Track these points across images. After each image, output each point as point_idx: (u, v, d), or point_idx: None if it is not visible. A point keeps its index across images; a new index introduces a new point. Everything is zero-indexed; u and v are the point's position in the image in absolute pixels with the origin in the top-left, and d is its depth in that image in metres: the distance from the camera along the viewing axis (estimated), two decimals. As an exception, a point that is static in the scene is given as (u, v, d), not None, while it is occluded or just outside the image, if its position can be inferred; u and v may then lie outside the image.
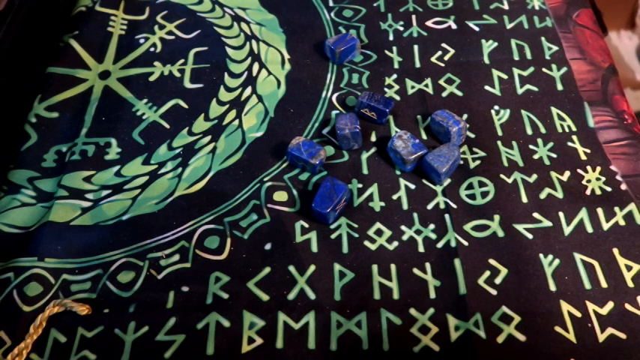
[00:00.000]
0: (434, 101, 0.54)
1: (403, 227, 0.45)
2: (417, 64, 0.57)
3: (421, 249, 0.44)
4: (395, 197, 0.47)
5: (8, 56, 0.54)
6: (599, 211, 0.46)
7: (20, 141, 0.52)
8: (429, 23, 0.61)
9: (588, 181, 0.47)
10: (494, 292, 0.42)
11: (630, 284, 0.42)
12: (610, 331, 0.40)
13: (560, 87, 0.54)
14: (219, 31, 0.61)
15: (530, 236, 0.44)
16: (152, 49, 0.60)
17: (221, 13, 0.63)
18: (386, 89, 0.55)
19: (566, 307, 0.41)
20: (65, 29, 0.61)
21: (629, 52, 0.74)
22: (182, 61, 0.58)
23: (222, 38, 0.60)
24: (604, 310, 0.41)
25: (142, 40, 0.60)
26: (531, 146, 0.50)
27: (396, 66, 0.57)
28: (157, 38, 0.61)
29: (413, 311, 0.41)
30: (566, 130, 0.51)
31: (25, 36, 0.57)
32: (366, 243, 0.44)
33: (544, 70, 0.56)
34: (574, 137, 0.51)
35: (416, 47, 0.58)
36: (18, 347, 0.39)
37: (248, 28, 0.61)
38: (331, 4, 0.63)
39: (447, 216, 0.46)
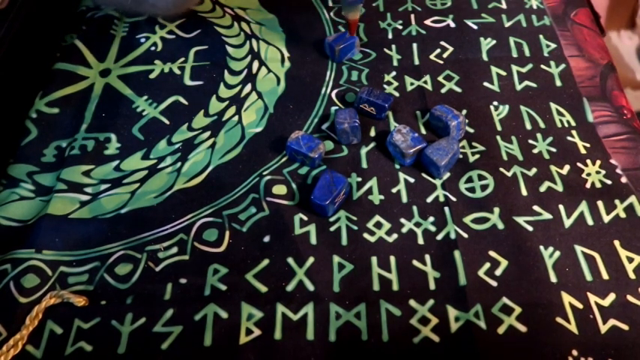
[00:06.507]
0: (433, 97, 0.54)
1: (402, 220, 0.45)
2: (416, 62, 0.57)
3: (421, 241, 0.44)
4: (394, 190, 0.47)
5: (10, 53, 0.54)
6: (600, 203, 0.45)
7: (20, 136, 0.52)
8: (427, 22, 0.61)
9: (588, 174, 0.47)
10: (494, 283, 0.41)
11: (632, 276, 0.41)
12: (612, 322, 0.39)
13: (558, 83, 0.54)
14: (219, 30, 0.62)
15: (530, 228, 0.44)
16: (153, 48, 0.60)
17: (221, 13, 0.63)
18: (385, 86, 0.55)
19: (567, 298, 0.40)
20: (68, 28, 0.62)
21: (629, 51, 0.75)
22: (182, 59, 0.59)
23: (223, 37, 0.61)
24: (606, 302, 0.40)
25: (142, 40, 0.61)
26: (531, 141, 0.50)
27: (395, 63, 0.57)
28: (158, 37, 0.61)
29: (412, 302, 0.41)
30: (566, 125, 0.51)
31: (27, 33, 0.57)
32: (366, 235, 0.44)
33: (542, 66, 0.56)
34: (573, 132, 0.50)
35: (415, 45, 0.59)
36: (13, 338, 0.39)
37: (248, 27, 0.62)
38: (330, 4, 0.64)
39: (446, 209, 0.46)
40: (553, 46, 0.58)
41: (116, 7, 0.57)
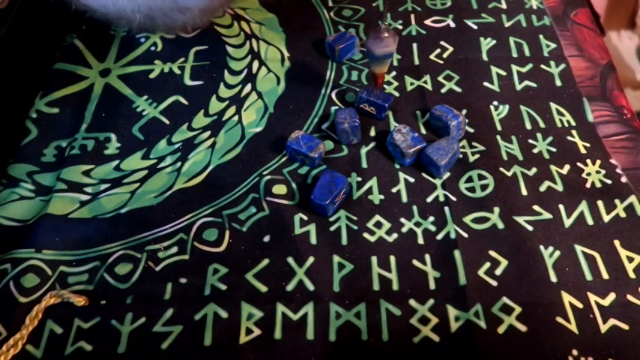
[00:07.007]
0: (433, 97, 0.54)
1: (402, 219, 0.45)
2: (416, 62, 0.57)
3: (421, 241, 0.44)
4: (394, 190, 0.47)
5: (10, 52, 0.54)
6: (600, 203, 0.45)
7: (20, 136, 0.52)
8: (427, 22, 0.61)
9: (588, 174, 0.47)
10: (494, 283, 0.41)
11: (632, 275, 0.41)
12: (612, 322, 0.39)
13: (558, 83, 0.54)
14: (219, 30, 0.62)
15: (530, 228, 0.44)
16: (153, 48, 0.60)
17: (221, 12, 0.63)
18: (385, 86, 0.55)
19: (567, 298, 0.40)
20: (68, 28, 0.62)
21: (629, 51, 0.75)
22: (182, 59, 0.59)
23: (223, 37, 0.61)
24: (606, 302, 0.40)
25: (142, 39, 0.61)
26: (531, 140, 0.50)
27: (395, 63, 0.57)
28: (158, 37, 0.61)
29: (412, 302, 0.41)
30: (566, 124, 0.51)
31: (27, 33, 0.57)
32: (366, 235, 0.44)
33: (542, 66, 0.56)
34: (573, 132, 0.50)
35: (415, 45, 0.59)
36: (13, 338, 0.39)
37: (248, 27, 0.62)
38: (330, 3, 0.64)
39: (446, 208, 0.46)
40: (553, 46, 0.58)
41: (126, 23, 0.57)
